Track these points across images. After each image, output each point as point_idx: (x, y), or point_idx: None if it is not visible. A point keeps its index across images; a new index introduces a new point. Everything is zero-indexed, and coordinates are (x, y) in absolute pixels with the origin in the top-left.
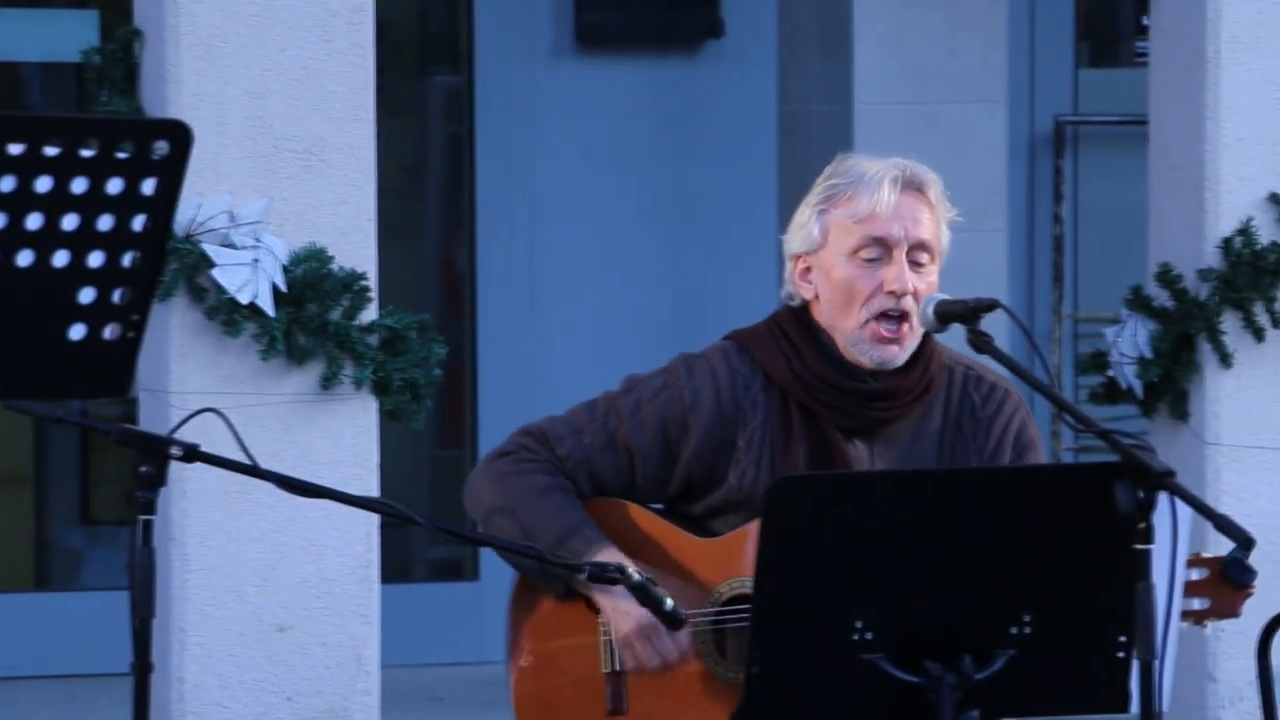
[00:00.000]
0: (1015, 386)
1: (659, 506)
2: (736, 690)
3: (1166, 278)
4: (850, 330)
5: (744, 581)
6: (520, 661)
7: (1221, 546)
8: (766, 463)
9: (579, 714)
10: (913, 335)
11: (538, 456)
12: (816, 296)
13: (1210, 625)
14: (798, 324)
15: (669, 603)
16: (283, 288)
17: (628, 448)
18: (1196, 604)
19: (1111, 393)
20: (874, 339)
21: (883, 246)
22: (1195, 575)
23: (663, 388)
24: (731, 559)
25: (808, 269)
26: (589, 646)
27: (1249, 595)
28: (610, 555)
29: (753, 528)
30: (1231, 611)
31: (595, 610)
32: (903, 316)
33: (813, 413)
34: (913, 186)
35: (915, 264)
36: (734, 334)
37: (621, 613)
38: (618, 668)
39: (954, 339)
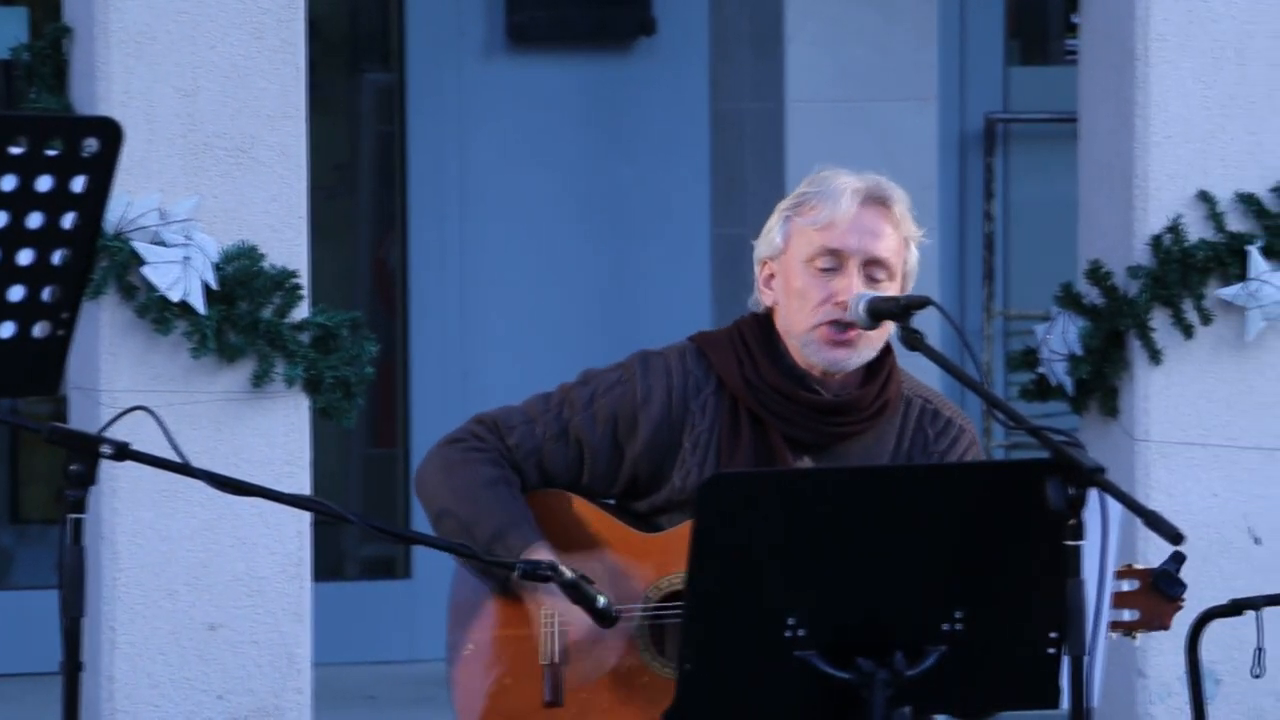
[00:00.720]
0: (971, 423)
1: (607, 501)
2: (672, 686)
3: (1096, 275)
4: (800, 333)
5: (682, 577)
6: (459, 652)
7: (1152, 546)
8: (710, 466)
9: (516, 705)
10: (865, 344)
11: (487, 446)
12: (777, 303)
13: (1140, 637)
14: (759, 331)
15: (601, 600)
16: (214, 285)
17: (578, 439)
18: (1126, 615)
19: (1042, 390)
20: (823, 341)
21: (837, 258)
22: (1126, 587)
23: (617, 382)
24: (670, 555)
25: (771, 275)
26: (527, 638)
27: (1179, 608)
28: (543, 554)
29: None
30: (1161, 624)
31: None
32: (849, 327)
33: (762, 422)
34: (876, 202)
35: (871, 279)
36: (696, 336)
37: (576, 617)
38: (556, 660)
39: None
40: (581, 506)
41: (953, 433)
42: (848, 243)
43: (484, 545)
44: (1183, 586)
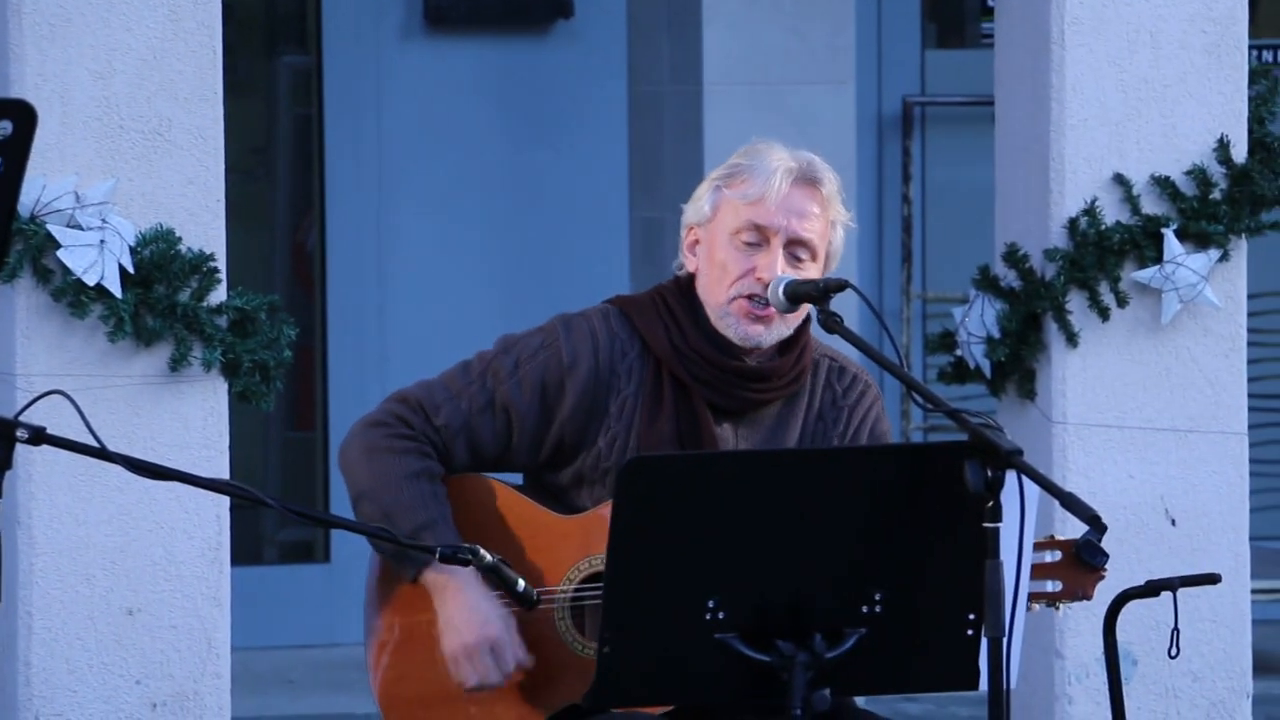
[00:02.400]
0: (874, 379)
1: (520, 484)
2: (592, 666)
3: (1013, 258)
4: (718, 305)
5: (602, 559)
6: (379, 635)
7: (1069, 527)
8: (635, 431)
9: (436, 688)
10: (781, 321)
11: (413, 432)
12: (699, 269)
13: (1063, 607)
14: (680, 297)
15: (521, 584)
16: (130, 269)
17: (505, 408)
18: (1049, 586)
19: (960, 372)
20: (740, 314)
21: (762, 234)
22: (1049, 558)
23: (541, 347)
24: (590, 536)
25: (696, 241)
26: None
27: (1101, 578)
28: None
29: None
30: (1084, 594)
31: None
32: (767, 304)
33: (686, 387)
34: (807, 182)
35: (794, 258)
36: (616, 299)
37: (451, 629)
38: None
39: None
40: (500, 491)
41: (859, 387)
42: (773, 220)
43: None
44: (1105, 555)
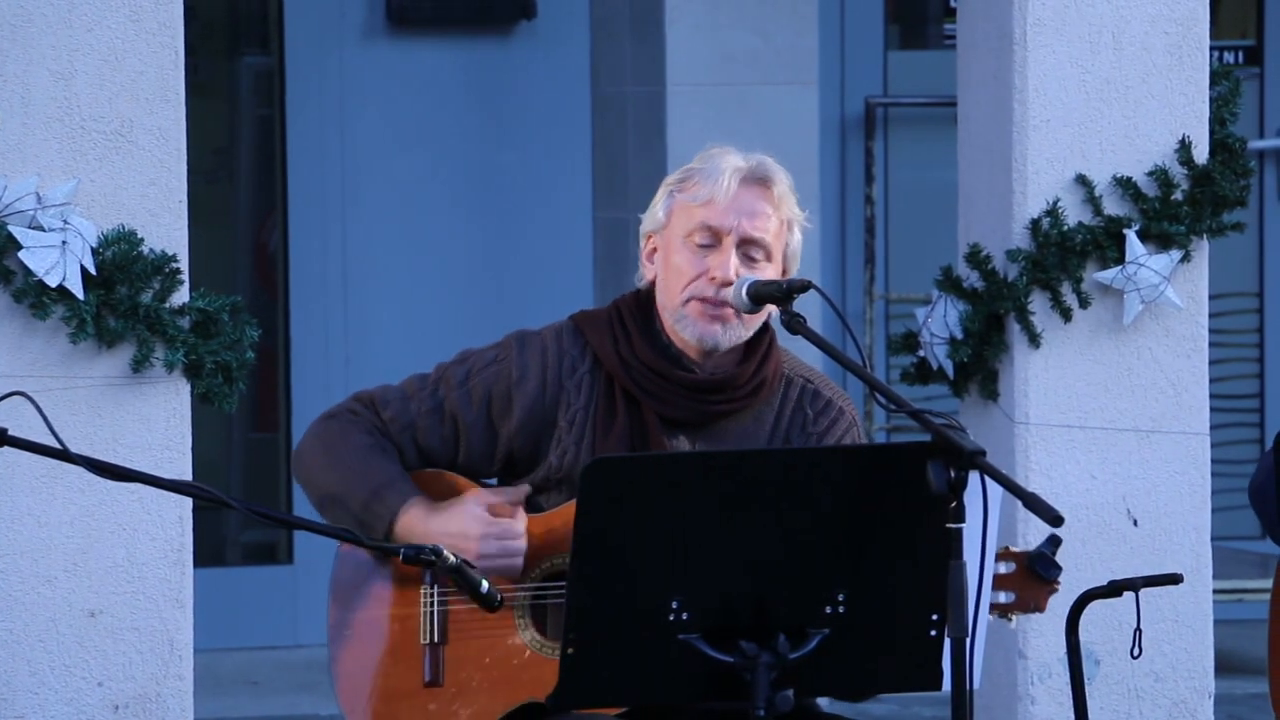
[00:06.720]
0: (853, 405)
1: (491, 482)
2: (551, 665)
3: (976, 258)
4: (674, 308)
5: (563, 558)
6: (341, 630)
7: (1032, 527)
8: (586, 445)
9: (397, 683)
10: (739, 322)
11: (362, 420)
12: (657, 276)
13: (1015, 619)
14: (637, 308)
15: (485, 585)
16: (92, 270)
17: (453, 416)
18: (1003, 597)
19: (923, 373)
20: (696, 315)
21: (714, 234)
22: (1003, 569)
23: (493, 360)
24: (552, 534)
25: (654, 249)
26: (409, 618)
27: (1054, 591)
28: (421, 506)
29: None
30: (1037, 606)
31: (417, 581)
32: (722, 304)
33: (637, 400)
34: (757, 182)
35: (748, 258)
36: (576, 314)
37: (458, 538)
38: (436, 640)
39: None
40: (464, 486)
41: (832, 413)
42: (724, 221)
43: (361, 506)
44: (1058, 569)
